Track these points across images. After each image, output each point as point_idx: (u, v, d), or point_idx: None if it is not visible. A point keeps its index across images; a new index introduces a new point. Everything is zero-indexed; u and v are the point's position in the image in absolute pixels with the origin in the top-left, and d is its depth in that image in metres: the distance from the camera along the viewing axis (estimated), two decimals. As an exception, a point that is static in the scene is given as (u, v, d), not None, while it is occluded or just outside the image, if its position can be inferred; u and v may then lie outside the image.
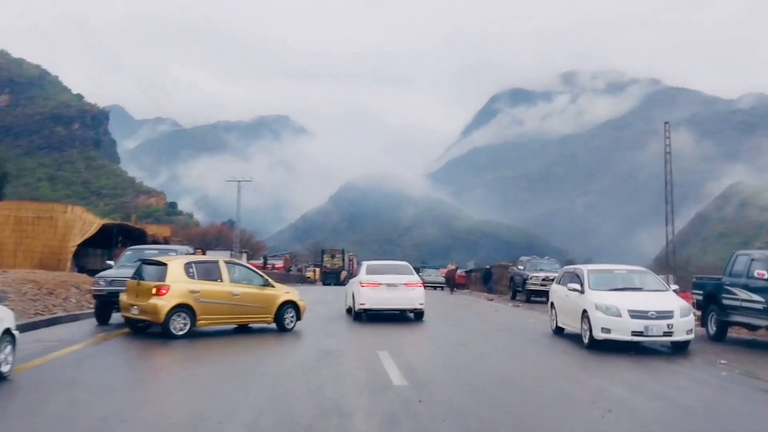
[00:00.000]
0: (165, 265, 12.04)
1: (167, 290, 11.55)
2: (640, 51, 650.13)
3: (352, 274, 61.44)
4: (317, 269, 63.46)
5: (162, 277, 11.77)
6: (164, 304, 11.45)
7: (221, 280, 12.40)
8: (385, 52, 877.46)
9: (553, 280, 24.14)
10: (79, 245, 28.63)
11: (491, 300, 27.40)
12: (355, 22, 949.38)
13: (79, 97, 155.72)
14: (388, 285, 16.00)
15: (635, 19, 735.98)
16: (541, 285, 24.14)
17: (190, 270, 12.09)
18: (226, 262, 13.09)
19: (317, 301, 22.98)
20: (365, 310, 16.08)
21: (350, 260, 65.71)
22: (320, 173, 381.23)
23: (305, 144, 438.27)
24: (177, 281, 11.75)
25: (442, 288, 44.24)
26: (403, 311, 16.80)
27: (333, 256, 59.58)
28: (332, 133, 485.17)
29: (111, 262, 16.39)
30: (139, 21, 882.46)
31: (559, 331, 13.46)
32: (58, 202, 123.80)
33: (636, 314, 10.79)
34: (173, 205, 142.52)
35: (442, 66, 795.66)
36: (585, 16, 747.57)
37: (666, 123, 42.20)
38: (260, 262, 61.55)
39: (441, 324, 16.52)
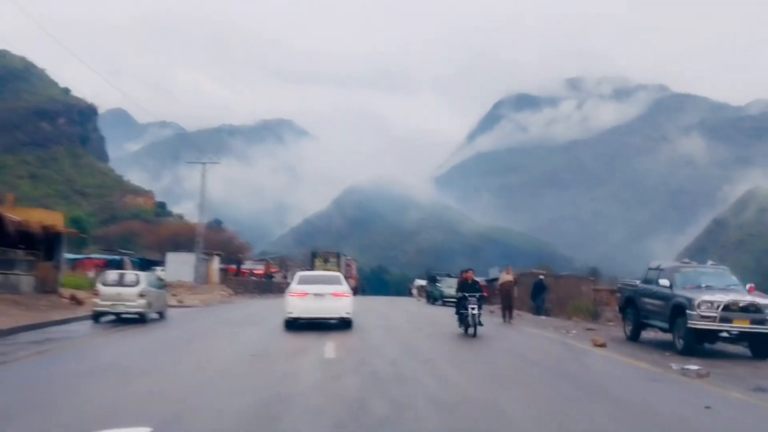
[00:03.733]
0: None
1: None
2: (647, 57, 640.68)
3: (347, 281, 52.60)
4: (308, 276, 53.77)
5: None
6: None
7: None
8: (389, 56, 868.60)
9: (746, 308, 13.01)
10: None
11: (601, 345, 14.63)
12: (358, 26, 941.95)
13: (66, 91, 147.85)
14: (316, 295, 16.49)
15: (641, 25, 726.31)
16: (720, 321, 12.92)
17: None
18: None
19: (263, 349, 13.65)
20: (294, 319, 16.51)
21: (348, 265, 56.57)
22: (323, 177, 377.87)
23: (308, 147, 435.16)
24: None
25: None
26: (329, 319, 16.83)
27: (326, 260, 50.03)
28: (336, 137, 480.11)
29: None
30: (143, 25, 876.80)
31: None
32: (37, 201, 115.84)
33: None
34: (162, 205, 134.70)
35: (446, 70, 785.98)
36: (590, 21, 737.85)
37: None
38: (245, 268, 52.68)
39: None
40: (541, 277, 28.80)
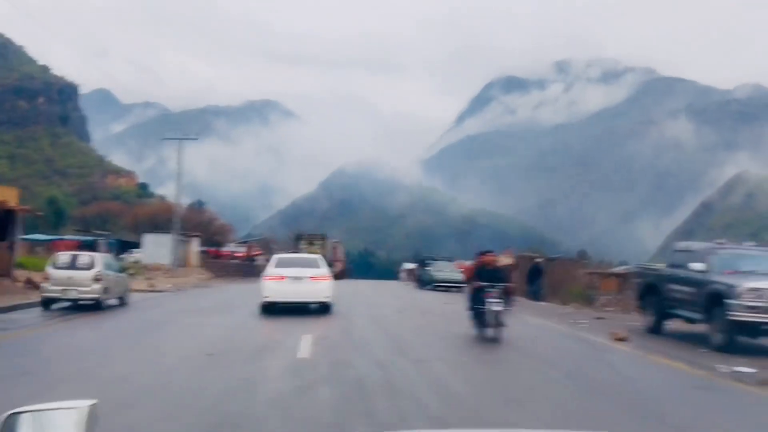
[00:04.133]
0: None
1: None
2: (635, 40, 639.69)
3: (334, 264, 50.43)
4: (292, 259, 51.45)
5: None
6: None
7: None
8: (377, 36, 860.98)
9: None
10: None
11: (622, 339, 12.47)
12: (347, 7, 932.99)
13: (45, 69, 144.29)
14: (293, 278, 15.92)
15: (630, 8, 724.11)
16: None
17: None
18: None
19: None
20: (270, 303, 15.82)
21: (334, 248, 54.70)
22: (310, 159, 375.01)
23: (295, 129, 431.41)
24: None
25: (458, 289, 33.05)
26: (307, 304, 16.22)
27: (311, 243, 48.10)
28: (322, 119, 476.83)
29: None
30: (127, 4, 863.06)
31: None
32: (16, 182, 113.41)
33: None
34: (144, 186, 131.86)
35: (435, 52, 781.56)
36: (579, 3, 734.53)
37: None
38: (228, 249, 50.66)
39: None
40: (538, 260, 27.00)
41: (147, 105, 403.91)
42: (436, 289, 32.36)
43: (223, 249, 46.92)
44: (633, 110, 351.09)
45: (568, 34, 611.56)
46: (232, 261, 42.76)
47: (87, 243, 39.86)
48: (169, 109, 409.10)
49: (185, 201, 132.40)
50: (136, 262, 37.52)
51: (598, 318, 17.26)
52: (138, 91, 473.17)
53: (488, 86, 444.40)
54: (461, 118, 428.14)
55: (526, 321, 16.90)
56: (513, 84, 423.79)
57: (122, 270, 18.57)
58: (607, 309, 23.38)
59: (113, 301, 17.49)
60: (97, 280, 15.89)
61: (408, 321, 16.02)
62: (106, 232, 47.49)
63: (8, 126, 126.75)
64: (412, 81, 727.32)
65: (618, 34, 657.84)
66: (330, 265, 49.85)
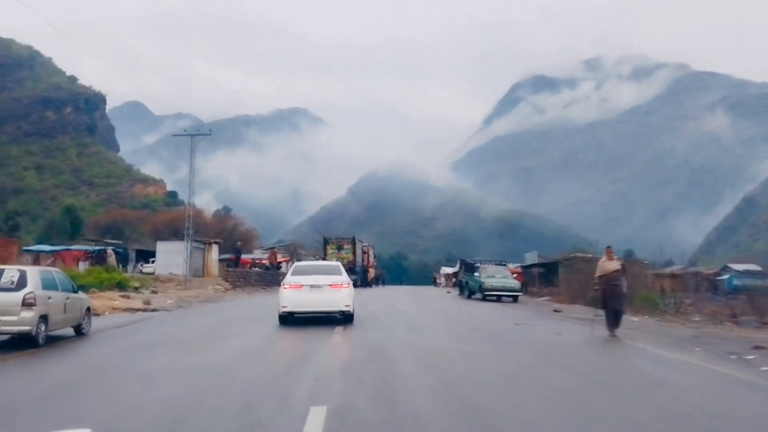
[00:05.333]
0: None
1: None
2: (666, 35, 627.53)
3: (366, 270, 46.77)
4: (319, 264, 47.99)
5: None
6: None
7: None
8: (404, 42, 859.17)
9: None
10: None
11: None
12: (373, 12, 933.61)
13: (73, 79, 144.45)
14: (312, 286, 15.24)
15: (659, 3, 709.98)
16: None
17: None
18: None
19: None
20: (288, 313, 15.35)
21: (365, 252, 51.36)
22: (340, 164, 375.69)
23: (324, 135, 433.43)
24: None
25: (514, 298, 28.14)
26: (328, 314, 15.44)
27: (340, 247, 44.97)
28: (351, 125, 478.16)
29: None
30: (158, 17, 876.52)
31: None
32: (44, 192, 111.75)
33: None
34: (173, 194, 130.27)
35: (462, 55, 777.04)
36: (607, 0, 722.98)
37: None
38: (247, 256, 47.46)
39: None
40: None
41: (179, 116, 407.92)
42: (485, 298, 28.02)
43: (244, 256, 43.69)
44: (666, 106, 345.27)
45: (596, 31, 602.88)
46: (254, 269, 39.49)
47: (95, 252, 37.03)
48: (200, 119, 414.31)
49: (214, 208, 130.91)
50: (150, 273, 34.49)
51: (756, 347, 12.24)
52: (170, 103, 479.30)
53: (516, 87, 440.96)
54: (489, 120, 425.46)
55: (663, 360, 11.25)
56: (542, 83, 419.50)
57: (77, 290, 14.02)
58: (696, 318, 19.55)
59: (66, 331, 13.46)
60: (28, 305, 11.62)
61: (482, 363, 10.40)
62: (118, 241, 44.60)
63: (36, 137, 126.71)
64: (439, 84, 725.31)
65: (647, 30, 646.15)
66: (363, 270, 46.52)
